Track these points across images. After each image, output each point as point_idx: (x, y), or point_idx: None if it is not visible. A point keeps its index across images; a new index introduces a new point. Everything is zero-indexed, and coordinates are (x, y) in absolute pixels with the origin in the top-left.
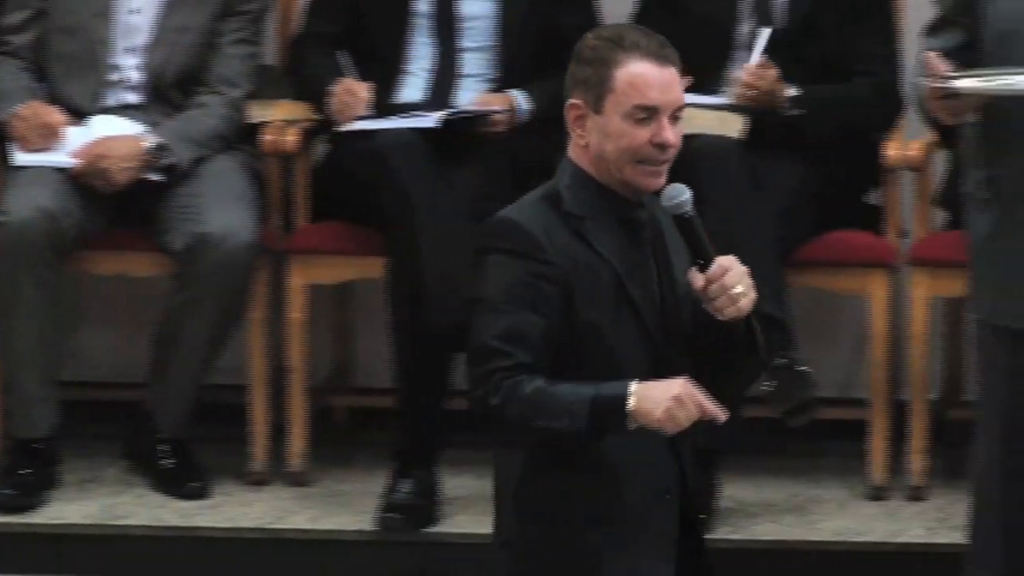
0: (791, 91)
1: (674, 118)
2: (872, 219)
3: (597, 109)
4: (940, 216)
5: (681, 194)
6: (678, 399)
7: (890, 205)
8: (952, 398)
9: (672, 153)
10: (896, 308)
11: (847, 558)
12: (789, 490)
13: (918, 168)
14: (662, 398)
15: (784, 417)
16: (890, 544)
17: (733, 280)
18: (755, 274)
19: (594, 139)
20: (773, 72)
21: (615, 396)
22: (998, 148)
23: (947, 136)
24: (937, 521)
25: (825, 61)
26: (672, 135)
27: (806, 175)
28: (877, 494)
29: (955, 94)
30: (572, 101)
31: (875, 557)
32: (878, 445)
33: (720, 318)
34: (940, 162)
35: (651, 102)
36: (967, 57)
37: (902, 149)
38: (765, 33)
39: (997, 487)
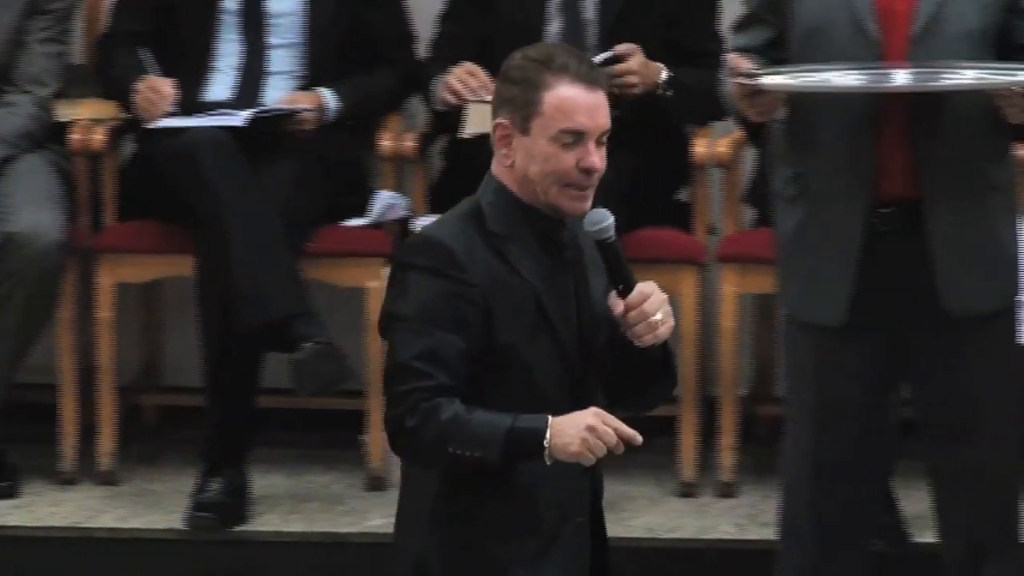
0: (664, 73)
1: (600, 142)
2: (682, 217)
3: (524, 130)
4: (749, 213)
5: (604, 219)
6: (592, 429)
7: (699, 202)
8: (762, 394)
9: (597, 178)
10: (706, 305)
11: (658, 555)
12: None
13: (727, 165)
14: (576, 432)
15: None
16: (700, 540)
17: (653, 307)
18: None
19: (520, 159)
20: (633, 63)
21: (531, 431)
22: (805, 145)
23: (755, 134)
24: (747, 518)
25: (648, 55)
26: (598, 160)
27: (615, 173)
28: (687, 491)
29: (761, 91)
30: (498, 120)
31: (686, 554)
32: (688, 442)
33: (638, 344)
34: (749, 159)
35: (578, 127)
36: (775, 54)
37: (710, 147)
38: (601, 57)
39: (807, 484)
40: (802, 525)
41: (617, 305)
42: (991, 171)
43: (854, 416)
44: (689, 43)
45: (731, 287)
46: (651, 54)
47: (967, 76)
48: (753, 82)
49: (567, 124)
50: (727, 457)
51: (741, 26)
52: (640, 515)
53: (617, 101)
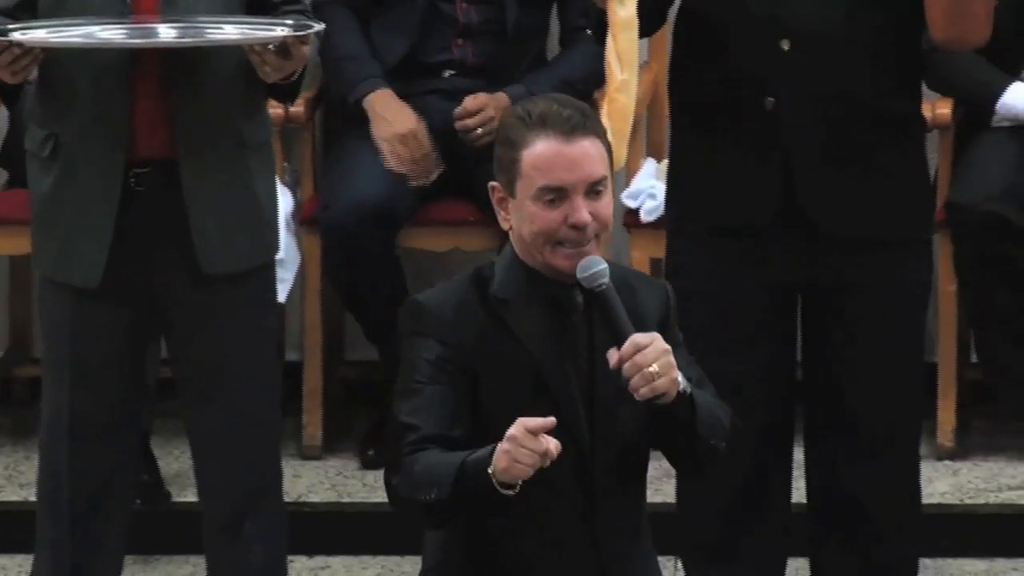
0: None
1: (594, 192)
2: None
3: (511, 192)
4: (3, 174)
5: (594, 266)
6: (511, 439)
7: None
8: (19, 356)
9: (594, 230)
10: None
11: None
12: None
13: None
14: (500, 450)
15: None
16: None
17: (647, 359)
18: None
19: (515, 223)
20: None
21: (479, 460)
22: (58, 104)
23: (7, 95)
24: (6, 479)
25: None
26: (586, 214)
27: None
28: None
29: (12, 49)
30: (492, 183)
31: None
32: None
33: (638, 398)
34: (1, 120)
35: (557, 183)
36: (26, 15)
37: None
38: None
39: (64, 444)
40: (60, 485)
41: (612, 357)
42: (247, 129)
43: (111, 376)
44: None
45: None
46: None
47: (230, 32)
48: (8, 37)
49: (545, 181)
50: None
51: None
52: None
53: None
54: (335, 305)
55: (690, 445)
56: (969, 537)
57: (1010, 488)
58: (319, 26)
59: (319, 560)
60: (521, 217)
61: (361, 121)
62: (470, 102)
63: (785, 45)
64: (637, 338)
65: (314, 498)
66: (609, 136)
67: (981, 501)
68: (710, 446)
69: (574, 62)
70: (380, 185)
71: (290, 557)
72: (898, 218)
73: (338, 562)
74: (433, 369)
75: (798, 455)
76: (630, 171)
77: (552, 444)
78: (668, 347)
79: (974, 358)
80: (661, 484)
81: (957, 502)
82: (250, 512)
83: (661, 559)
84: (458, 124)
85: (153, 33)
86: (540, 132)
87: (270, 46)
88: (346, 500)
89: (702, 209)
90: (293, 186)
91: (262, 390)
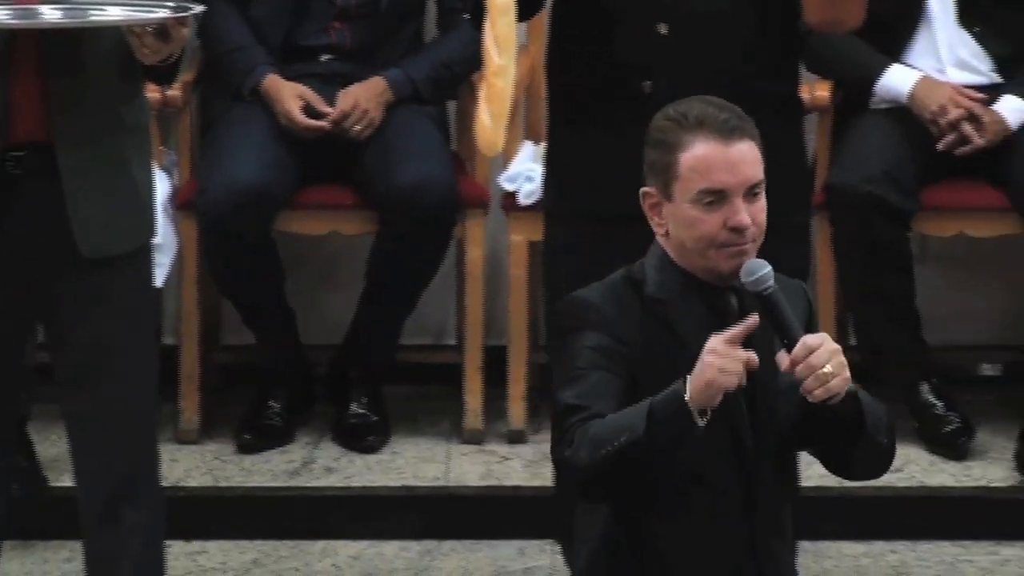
0: None
1: (752, 195)
2: None
3: (667, 196)
4: None
5: (760, 269)
6: (714, 352)
7: None
8: None
9: (752, 233)
10: None
11: None
12: None
13: None
14: (702, 366)
15: None
16: None
17: (820, 360)
18: None
19: (672, 227)
20: None
21: (671, 394)
22: None
23: None
24: None
25: None
26: (746, 216)
27: None
28: None
29: None
30: (645, 189)
31: None
32: None
33: (811, 399)
34: None
35: (717, 185)
36: None
37: None
38: None
39: None
40: None
41: (783, 360)
42: (125, 112)
43: None
44: None
45: None
46: None
47: (113, 13)
48: None
49: (705, 184)
50: None
51: None
52: None
53: None
54: (211, 290)
55: (853, 444)
56: (847, 520)
57: (888, 471)
58: (199, 8)
59: (196, 544)
60: (679, 222)
61: (241, 105)
62: (344, 102)
63: (663, 29)
64: (808, 339)
65: (191, 483)
66: (486, 120)
67: (859, 484)
68: (876, 443)
69: (452, 46)
70: (256, 169)
71: (167, 542)
72: (776, 200)
73: (215, 546)
74: (598, 356)
75: None
76: (508, 154)
77: (751, 353)
78: (838, 347)
79: (853, 341)
80: (539, 467)
81: (836, 485)
82: (127, 497)
83: (539, 543)
84: (337, 129)
85: (35, 14)
86: (698, 134)
87: (149, 28)
88: (223, 484)
89: (578, 194)
90: (170, 170)
91: (140, 374)
